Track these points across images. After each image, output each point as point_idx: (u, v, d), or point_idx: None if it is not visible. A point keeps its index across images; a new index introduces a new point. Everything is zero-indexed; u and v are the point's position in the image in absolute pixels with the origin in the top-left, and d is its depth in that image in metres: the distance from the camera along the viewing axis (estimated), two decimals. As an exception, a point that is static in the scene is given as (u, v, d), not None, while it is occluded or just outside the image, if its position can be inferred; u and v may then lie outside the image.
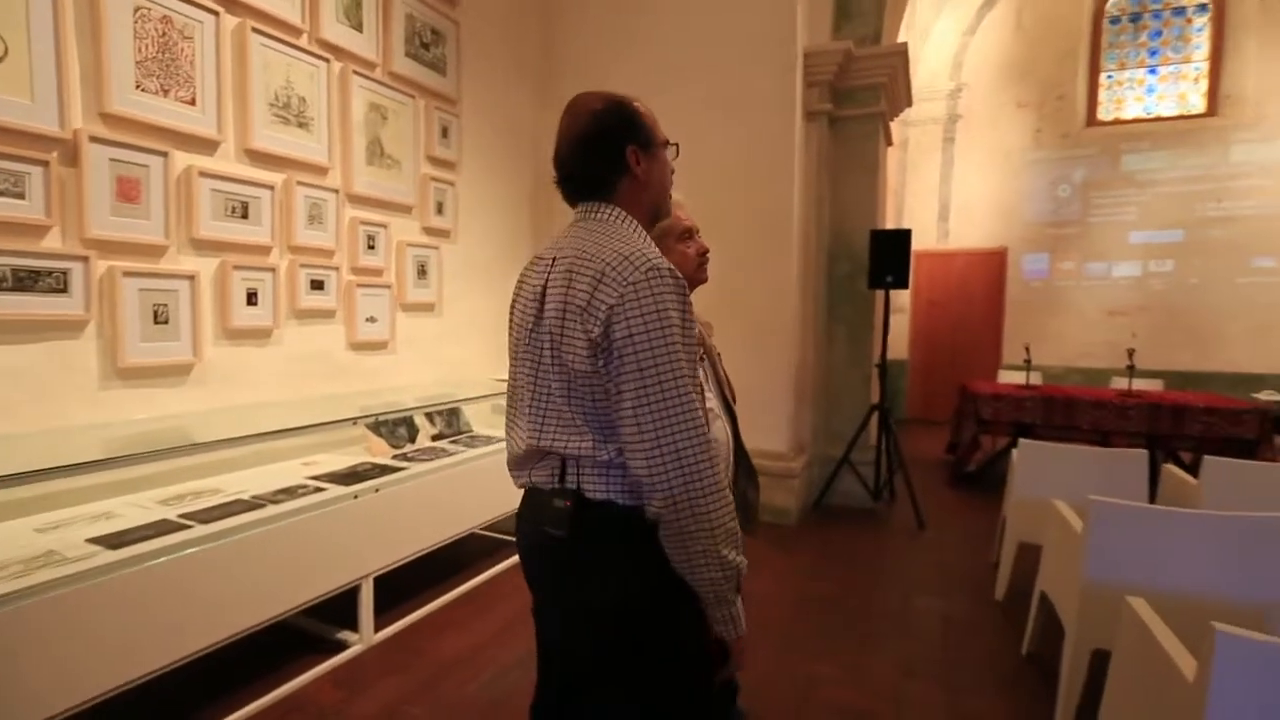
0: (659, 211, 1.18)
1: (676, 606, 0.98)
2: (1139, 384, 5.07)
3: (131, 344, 2.14)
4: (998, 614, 2.77)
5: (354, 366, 3.00)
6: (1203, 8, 7.03)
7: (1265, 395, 5.26)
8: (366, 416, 2.60)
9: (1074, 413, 4.70)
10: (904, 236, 3.94)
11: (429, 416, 3.13)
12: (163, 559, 1.62)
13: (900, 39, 4.81)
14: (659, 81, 3.96)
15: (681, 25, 3.94)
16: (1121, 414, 4.61)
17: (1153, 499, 2.87)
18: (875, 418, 4.18)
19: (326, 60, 2.76)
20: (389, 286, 3.16)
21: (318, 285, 2.78)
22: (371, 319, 3.06)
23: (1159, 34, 7.23)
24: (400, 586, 2.64)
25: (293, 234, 2.64)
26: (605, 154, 1.08)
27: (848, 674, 2.24)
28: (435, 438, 3.12)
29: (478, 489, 2.82)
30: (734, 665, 1.04)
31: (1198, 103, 7.06)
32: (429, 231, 3.44)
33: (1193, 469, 3.78)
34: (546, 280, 1.04)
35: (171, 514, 1.90)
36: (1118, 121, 7.32)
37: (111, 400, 2.11)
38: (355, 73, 2.90)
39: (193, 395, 2.34)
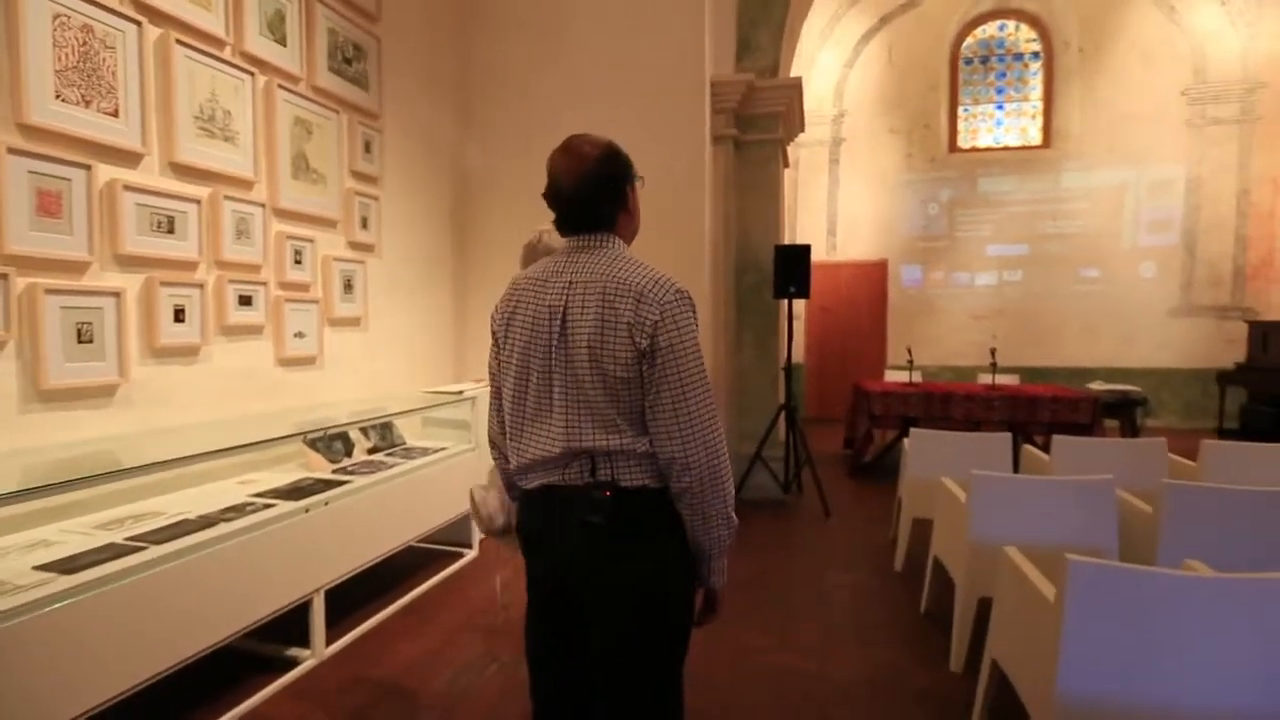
0: (635, 234, 1.37)
1: (691, 569, 1.22)
2: (1000, 379, 5.80)
3: (54, 364, 2.05)
4: (898, 582, 3.15)
5: (283, 383, 2.95)
6: (1036, 55, 8.16)
7: (1096, 385, 6.17)
8: (314, 431, 2.59)
9: (950, 405, 5.33)
10: (804, 251, 4.35)
11: (363, 431, 3.12)
12: (130, 579, 1.60)
13: (792, 69, 5.28)
14: (575, 102, 4.15)
15: (597, 50, 4.15)
16: (988, 405, 5.29)
17: (1016, 472, 3.37)
18: (783, 417, 4.55)
19: (251, 73, 2.73)
20: (316, 301, 3.13)
21: (246, 301, 2.73)
22: (300, 334, 3.03)
23: (1004, 75, 8.29)
24: (345, 601, 2.64)
25: (220, 249, 2.59)
26: (611, 193, 1.26)
27: (776, 640, 2.51)
28: (371, 451, 3.12)
29: (419, 499, 2.87)
30: (719, 611, 1.27)
31: (1036, 135, 8.16)
32: (354, 246, 3.43)
33: (1045, 448, 4.41)
34: (566, 300, 1.20)
35: (117, 538, 1.85)
36: (974, 149, 8.31)
37: (33, 424, 2.01)
38: (280, 86, 2.88)
39: (120, 417, 2.25)
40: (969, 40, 8.31)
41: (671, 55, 4.08)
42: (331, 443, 2.86)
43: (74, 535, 1.86)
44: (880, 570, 3.31)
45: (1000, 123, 8.31)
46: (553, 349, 1.21)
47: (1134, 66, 7.61)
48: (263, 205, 2.79)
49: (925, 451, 3.29)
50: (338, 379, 3.30)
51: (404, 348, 3.86)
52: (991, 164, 8.14)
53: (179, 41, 2.41)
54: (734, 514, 1.20)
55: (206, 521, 2.00)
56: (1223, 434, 7.29)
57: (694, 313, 1.19)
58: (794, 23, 4.82)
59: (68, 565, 1.63)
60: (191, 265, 2.49)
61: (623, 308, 1.15)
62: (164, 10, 2.36)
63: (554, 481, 1.21)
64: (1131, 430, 6.02)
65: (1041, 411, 5.24)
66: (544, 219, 4.35)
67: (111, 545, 1.79)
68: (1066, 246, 7.92)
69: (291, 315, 2.97)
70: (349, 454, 2.95)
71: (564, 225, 1.30)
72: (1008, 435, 3.22)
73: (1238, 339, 7.44)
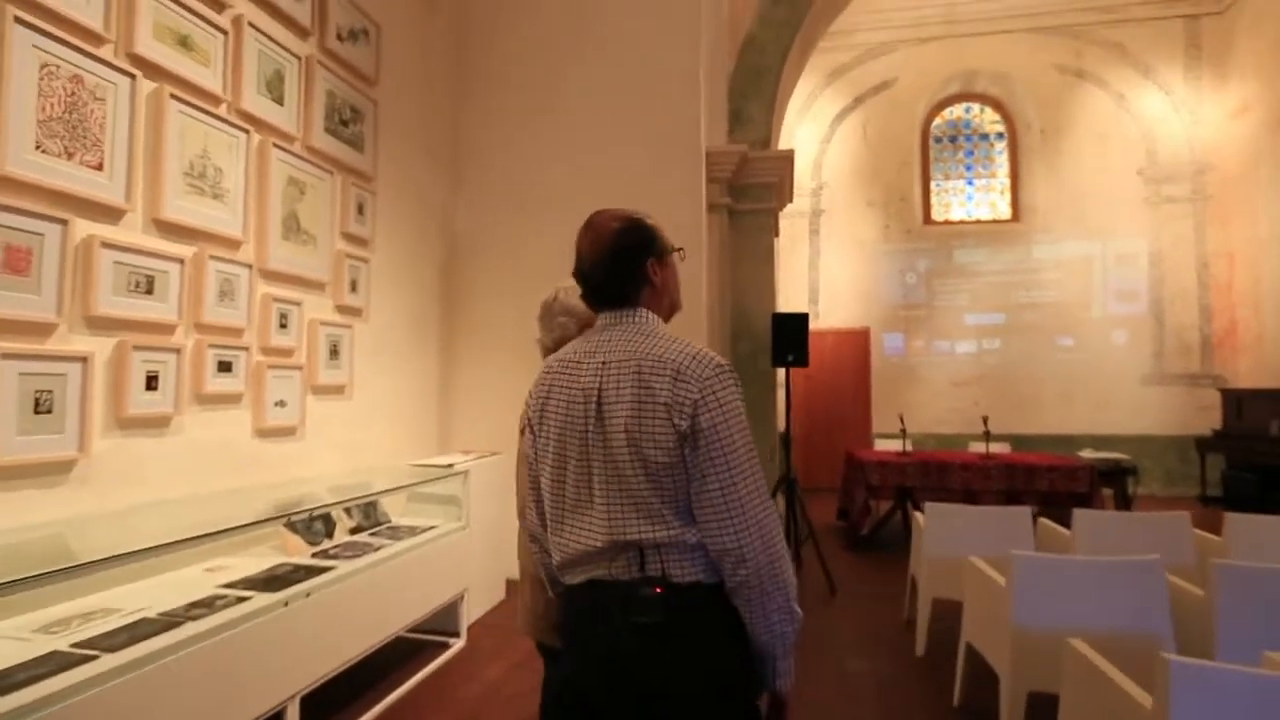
0: (675, 309, 1.28)
1: (754, 673, 1.09)
2: (992, 447, 5.75)
3: (3, 439, 1.81)
4: (923, 670, 2.94)
5: (261, 456, 2.71)
6: (1001, 135, 8.60)
7: (1087, 453, 6.16)
8: (295, 514, 2.34)
9: (947, 475, 5.23)
10: (802, 319, 4.31)
11: (346, 509, 2.86)
12: (77, 698, 1.34)
13: (781, 143, 5.42)
14: (569, 169, 4.14)
15: (594, 117, 4.18)
16: (985, 474, 5.20)
17: (1036, 548, 3.24)
18: (781, 490, 4.39)
19: (246, 131, 2.63)
20: (300, 368, 2.93)
21: (225, 367, 2.52)
22: (281, 403, 2.81)
23: (972, 153, 8.70)
24: (319, 703, 2.32)
25: (201, 311, 2.41)
26: (629, 269, 1.19)
27: (810, 746, 2.26)
28: (354, 531, 2.85)
29: (407, 586, 2.60)
30: (787, 717, 1.12)
31: (1005, 210, 8.50)
32: (342, 310, 3.26)
33: (1043, 517, 4.30)
34: (601, 382, 1.11)
35: (62, 644, 1.57)
36: (947, 222, 8.60)
37: (-28, 507, 1.75)
38: (275, 145, 2.78)
39: (73, 496, 1.99)
40: (938, 120, 8.73)
41: (667, 124, 4.12)
42: (311, 523, 2.61)
43: (8, 642, 1.58)
44: (901, 656, 3.09)
45: (971, 197, 8.65)
46: (589, 435, 1.11)
47: (1091, 147, 8.04)
48: (250, 266, 2.63)
49: (943, 527, 3.14)
50: (319, 451, 3.06)
51: (389, 417, 3.64)
52: (965, 236, 8.40)
53: (174, 96, 2.30)
54: (797, 606, 1.10)
55: (170, 620, 1.74)
56: (1206, 501, 7.32)
57: (738, 387, 1.10)
58: (783, 97, 4.96)
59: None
60: (169, 328, 2.30)
61: (659, 386, 1.07)
62: (160, 64, 2.26)
63: (599, 576, 1.10)
64: (1124, 499, 5.98)
65: (1039, 480, 5.16)
66: (536, 284, 4.16)
67: (55, 654, 1.52)
68: (1041, 315, 8.11)
69: (273, 383, 2.76)
70: (330, 535, 2.69)
71: (592, 302, 1.23)
72: (1027, 510, 3.10)
73: (1211, 406, 7.59)
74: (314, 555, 2.46)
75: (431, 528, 3.04)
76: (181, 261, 2.33)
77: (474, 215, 4.33)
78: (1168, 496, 7.62)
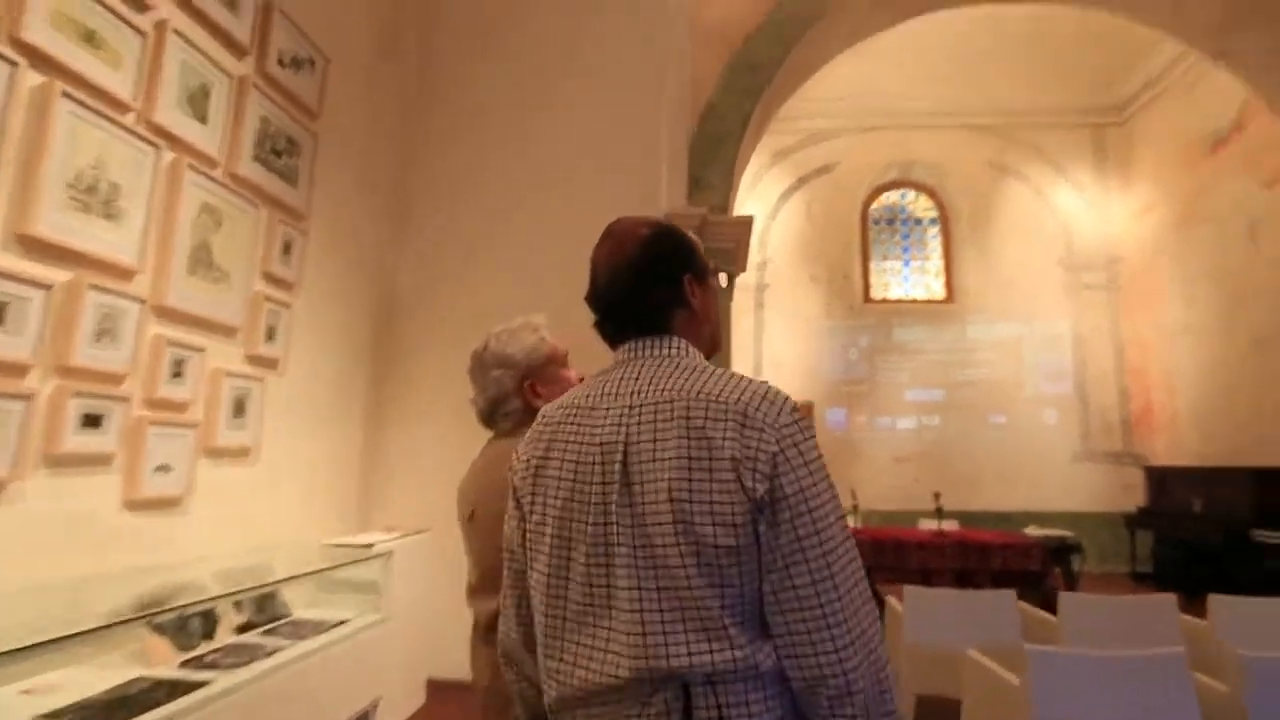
0: (716, 346, 0.99)
1: None
2: (942, 524, 5.64)
3: None
4: (913, 784, 2.60)
5: (131, 532, 2.19)
6: (934, 220, 9.05)
7: (1032, 530, 6.15)
8: (167, 610, 1.84)
9: (904, 554, 5.04)
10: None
11: (235, 601, 2.35)
12: None
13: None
14: (525, 227, 3.90)
15: (550, 178, 3.99)
16: (940, 553, 5.04)
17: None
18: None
19: (156, 146, 2.26)
20: (194, 425, 2.46)
21: (92, 421, 2.04)
22: (164, 467, 2.32)
23: (908, 235, 9.09)
24: None
25: (69, 351, 1.95)
26: (660, 284, 0.92)
27: None
28: (242, 628, 2.33)
29: (308, 695, 2.10)
30: None
31: (940, 290, 8.83)
32: (254, 360, 2.82)
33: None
34: (628, 433, 0.80)
35: None
36: (886, 300, 8.84)
37: None
38: (191, 167, 2.41)
39: None
40: (876, 204, 9.12)
41: (628, 185, 3.98)
42: (185, 621, 2.09)
43: None
44: (886, 767, 2.73)
45: (907, 278, 8.96)
46: (610, 508, 0.79)
47: (1016, 236, 8.54)
48: (142, 301, 2.20)
49: (924, 614, 2.88)
50: (209, 527, 2.54)
51: (302, 487, 3.14)
52: (904, 314, 8.64)
53: (67, 94, 1.93)
54: None
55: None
56: (1137, 578, 7.42)
57: (816, 441, 0.82)
58: (740, 165, 4.97)
59: None
60: (19, 370, 1.83)
61: (719, 435, 0.76)
62: (54, 56, 1.91)
63: None
64: (1069, 577, 5.95)
65: (993, 559, 5.04)
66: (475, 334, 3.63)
67: None
68: (977, 393, 8.32)
69: (156, 442, 2.28)
70: (209, 636, 2.17)
71: (607, 330, 0.94)
72: (1011, 592, 2.90)
73: (1135, 484, 7.84)
74: (184, 664, 1.94)
75: (342, 622, 2.53)
76: (48, 288, 1.89)
77: (416, 269, 3.99)
78: (1101, 573, 7.70)
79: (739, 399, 0.78)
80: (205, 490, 2.52)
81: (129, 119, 2.17)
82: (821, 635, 0.71)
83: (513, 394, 1.45)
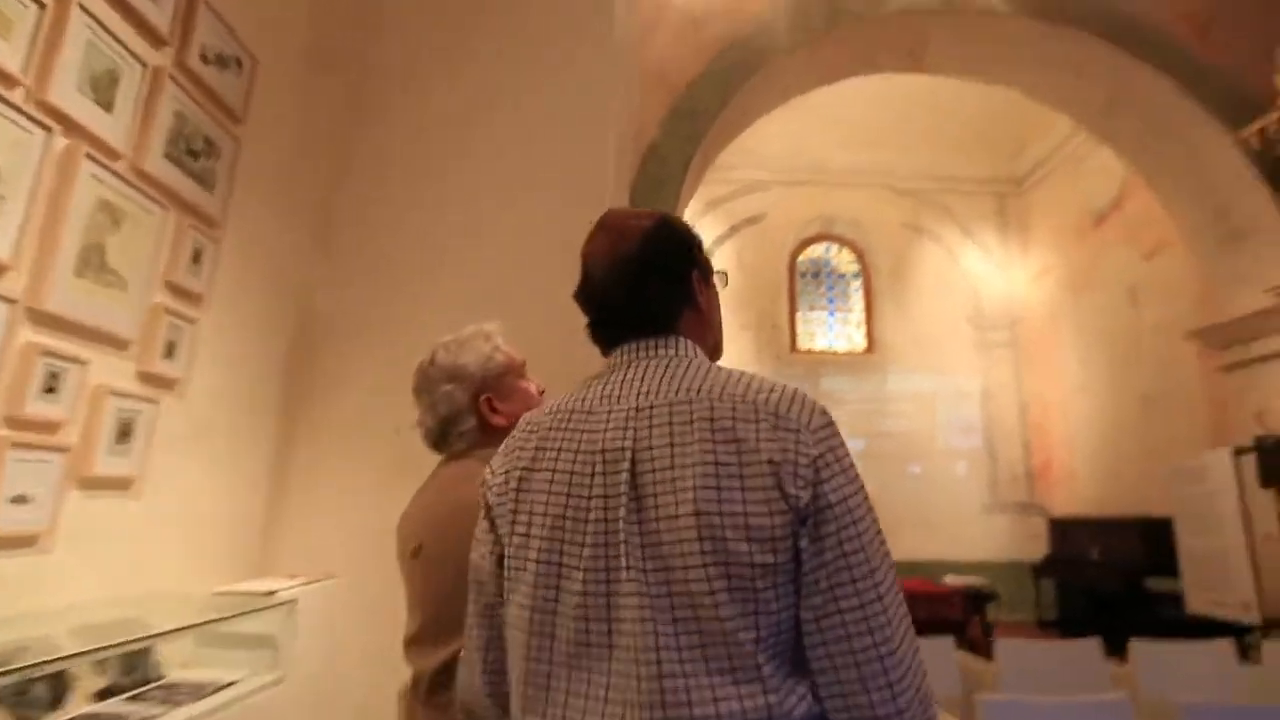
0: (717, 354, 0.91)
1: None
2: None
3: None
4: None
5: (-30, 578, 1.82)
6: (856, 274, 9.49)
7: (950, 579, 6.31)
8: (3, 675, 1.50)
9: (834, 601, 5.03)
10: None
11: (99, 660, 1.98)
12: None
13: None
14: (459, 260, 3.72)
15: (491, 208, 3.85)
16: (869, 600, 5.06)
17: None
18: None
19: (48, 129, 1.99)
20: (65, 450, 2.12)
21: (-65, 440, 1.71)
22: (21, 498, 1.97)
23: (832, 287, 9.48)
24: None
25: (-90, 355, 1.63)
26: (665, 280, 0.86)
27: None
28: (103, 694, 1.96)
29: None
30: None
31: (861, 341, 9.21)
32: (148, 379, 2.50)
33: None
34: (636, 437, 0.71)
35: None
36: (812, 351, 9.13)
37: None
38: (90, 157, 2.14)
39: None
40: (803, 256, 9.50)
41: (571, 219, 3.90)
42: (27, 687, 1.73)
43: None
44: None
45: (831, 328, 9.30)
46: (617, 525, 0.68)
47: (931, 293, 9.08)
48: (13, 301, 1.90)
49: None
50: (76, 571, 2.17)
51: (194, 526, 2.77)
52: (829, 364, 8.93)
53: (-65, 58, 1.67)
54: None
55: None
56: (1043, 625, 7.74)
57: None
58: (681, 208, 5.02)
59: None
60: None
61: (752, 437, 0.68)
62: (-78, 12, 1.65)
63: None
64: (985, 625, 6.11)
65: (918, 609, 5.10)
66: (410, 380, 3.47)
67: None
68: (895, 444, 8.63)
69: (14, 469, 1.94)
70: (57, 704, 1.81)
71: (603, 331, 0.88)
72: (949, 640, 2.89)
73: (1040, 533, 8.27)
74: (28, 741, 1.59)
75: (231, 683, 2.20)
76: (-109, 278, 1.59)
77: (342, 295, 3.72)
78: (1011, 621, 7.98)
79: (768, 399, 0.71)
80: (75, 527, 2.16)
81: (16, 95, 1.91)
82: (873, 669, 0.63)
83: (466, 410, 1.30)
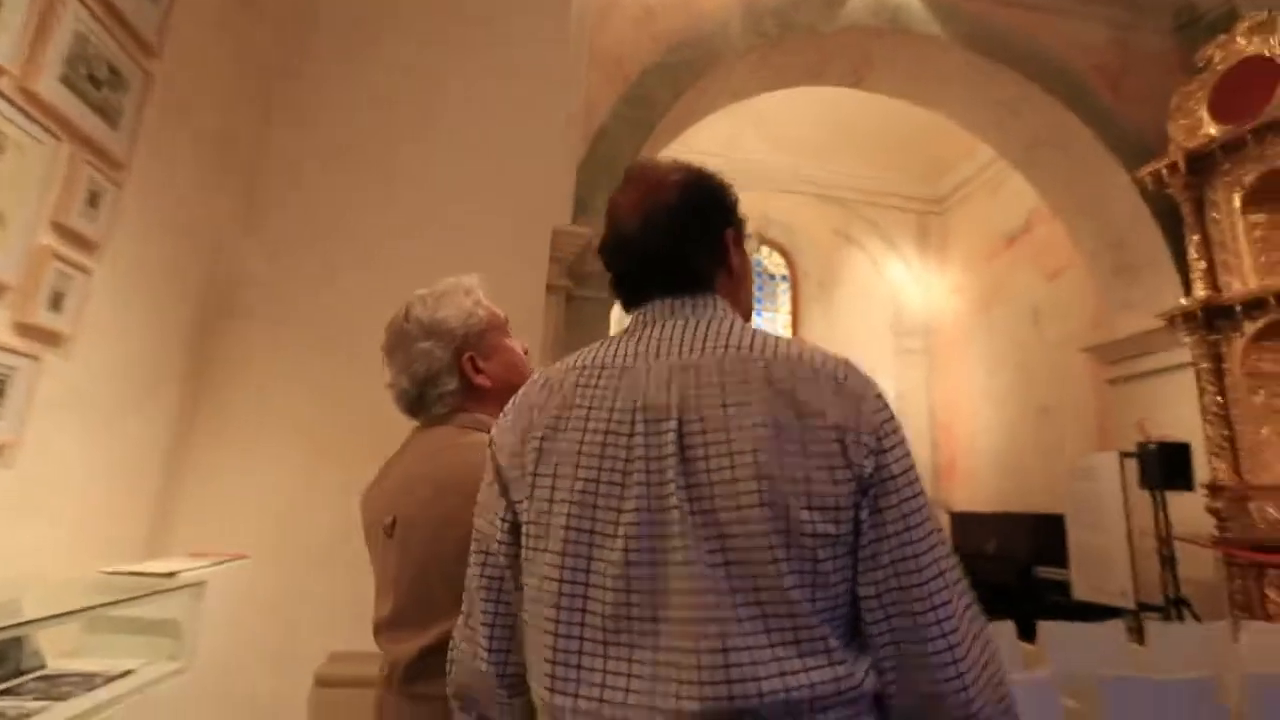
0: (748, 320, 0.87)
1: None
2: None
3: None
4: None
5: None
6: (785, 278, 9.75)
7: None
8: None
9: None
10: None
11: (-40, 646, 1.72)
12: None
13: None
14: (399, 228, 3.52)
15: (435, 175, 3.67)
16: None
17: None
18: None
19: (-84, 28, 1.70)
20: (-77, 407, 1.82)
21: None
22: None
23: (762, 288, 9.68)
24: None
25: None
26: (701, 236, 0.81)
27: None
28: (-36, 687, 1.70)
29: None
30: None
31: (787, 343, 9.49)
32: (27, 331, 2.20)
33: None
34: (681, 395, 0.65)
35: None
36: (740, 348, 9.33)
37: None
38: (-32, 67, 1.85)
39: None
40: (735, 257, 9.66)
41: (521, 193, 3.78)
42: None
43: None
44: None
45: (761, 327, 9.53)
46: (669, 488, 0.61)
47: (856, 300, 9.45)
48: None
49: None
50: (-71, 547, 1.88)
51: (77, 500, 2.47)
52: (756, 362, 9.15)
53: None
54: None
55: None
56: (941, 618, 8.23)
57: None
58: (626, 197, 4.97)
59: None
60: None
61: (815, 400, 0.64)
62: None
63: None
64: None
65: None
66: (335, 355, 3.29)
67: None
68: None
69: None
70: (-85, 697, 1.55)
71: (629, 286, 0.81)
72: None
73: (944, 527, 8.78)
74: None
75: (125, 673, 1.97)
76: None
77: (265, 260, 3.42)
78: (913, 614, 8.45)
79: (825, 362, 0.67)
80: (-71, 497, 1.87)
81: (-120, -17, 1.61)
82: (937, 645, 0.59)
83: (447, 370, 1.19)
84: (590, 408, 0.69)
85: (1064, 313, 7.24)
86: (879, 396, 0.68)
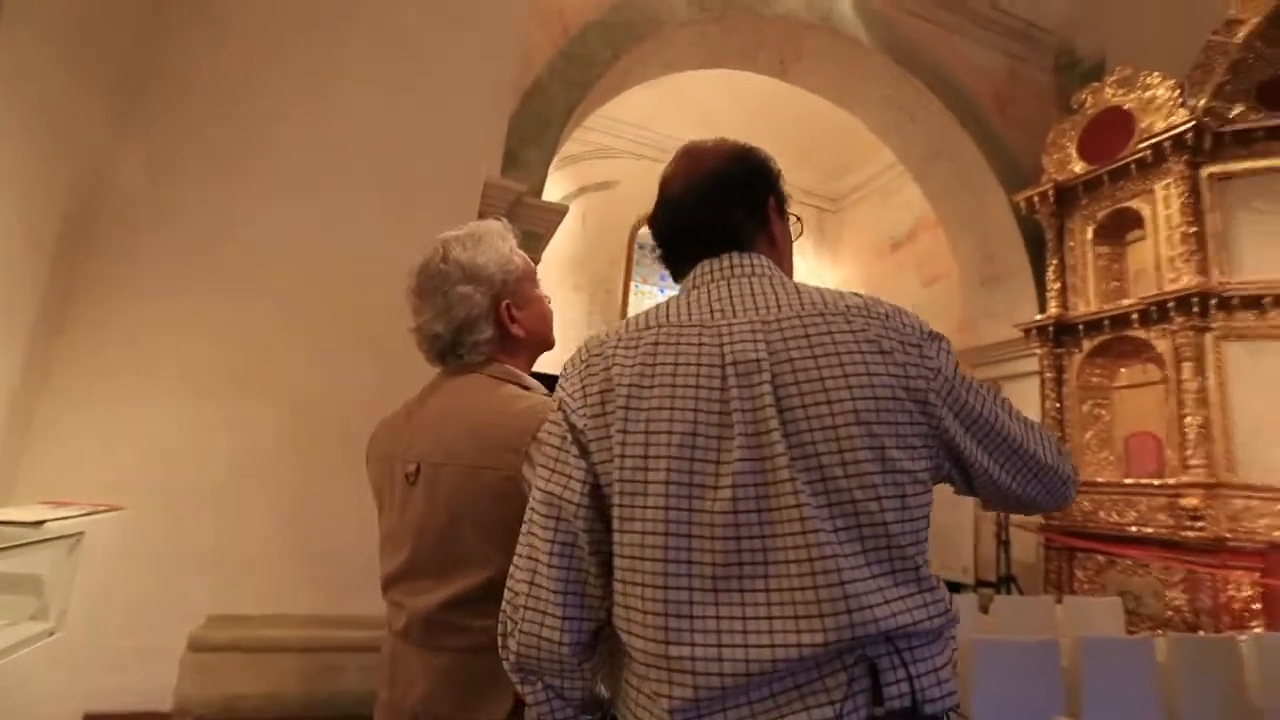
0: None
1: None
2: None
3: None
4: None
5: None
6: (690, 257, 9.96)
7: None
8: None
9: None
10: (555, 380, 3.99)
11: None
12: None
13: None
14: (318, 152, 3.21)
15: (362, 100, 3.36)
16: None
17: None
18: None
19: None
20: None
21: None
22: None
23: (667, 266, 9.83)
24: None
25: None
26: (746, 201, 0.87)
27: None
28: None
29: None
30: None
31: (686, 321, 9.72)
32: None
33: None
34: (769, 349, 0.70)
35: None
36: (641, 321, 9.42)
37: None
38: None
39: None
40: (643, 229, 9.68)
41: (450, 137, 3.56)
42: None
43: None
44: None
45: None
46: (771, 436, 0.65)
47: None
48: None
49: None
50: None
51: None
52: (655, 337, 9.30)
53: None
54: None
55: None
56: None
57: None
58: (552, 158, 4.83)
59: None
60: None
61: (897, 349, 0.72)
62: None
63: None
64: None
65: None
66: (232, 288, 3.08)
67: None
68: (704, 417, 9.29)
69: None
70: None
71: (679, 252, 0.88)
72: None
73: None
74: None
75: (-21, 637, 1.70)
76: None
77: (149, 174, 2.99)
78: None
79: (890, 312, 0.75)
80: None
81: None
82: (1037, 450, 0.79)
83: (485, 317, 1.13)
84: (676, 364, 0.70)
85: (936, 316, 7.96)
86: (935, 335, 0.78)
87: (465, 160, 3.59)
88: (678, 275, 0.84)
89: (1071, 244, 5.45)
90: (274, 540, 2.72)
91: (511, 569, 0.77)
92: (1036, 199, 5.61)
